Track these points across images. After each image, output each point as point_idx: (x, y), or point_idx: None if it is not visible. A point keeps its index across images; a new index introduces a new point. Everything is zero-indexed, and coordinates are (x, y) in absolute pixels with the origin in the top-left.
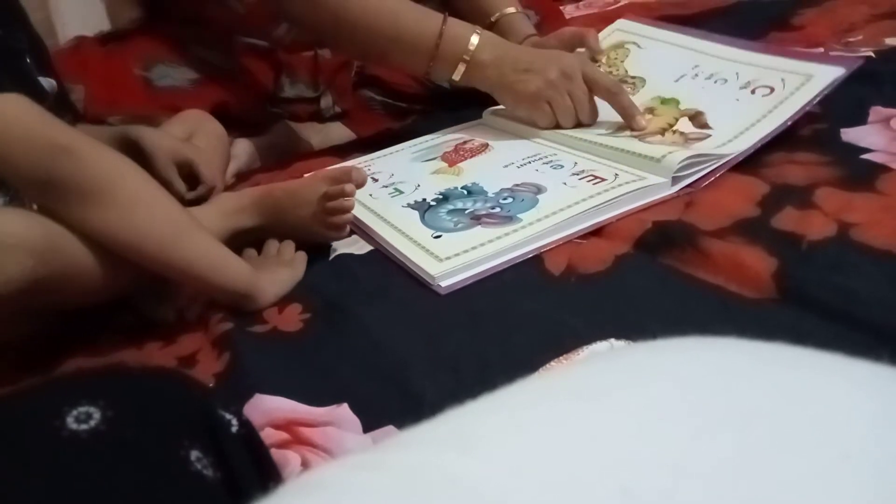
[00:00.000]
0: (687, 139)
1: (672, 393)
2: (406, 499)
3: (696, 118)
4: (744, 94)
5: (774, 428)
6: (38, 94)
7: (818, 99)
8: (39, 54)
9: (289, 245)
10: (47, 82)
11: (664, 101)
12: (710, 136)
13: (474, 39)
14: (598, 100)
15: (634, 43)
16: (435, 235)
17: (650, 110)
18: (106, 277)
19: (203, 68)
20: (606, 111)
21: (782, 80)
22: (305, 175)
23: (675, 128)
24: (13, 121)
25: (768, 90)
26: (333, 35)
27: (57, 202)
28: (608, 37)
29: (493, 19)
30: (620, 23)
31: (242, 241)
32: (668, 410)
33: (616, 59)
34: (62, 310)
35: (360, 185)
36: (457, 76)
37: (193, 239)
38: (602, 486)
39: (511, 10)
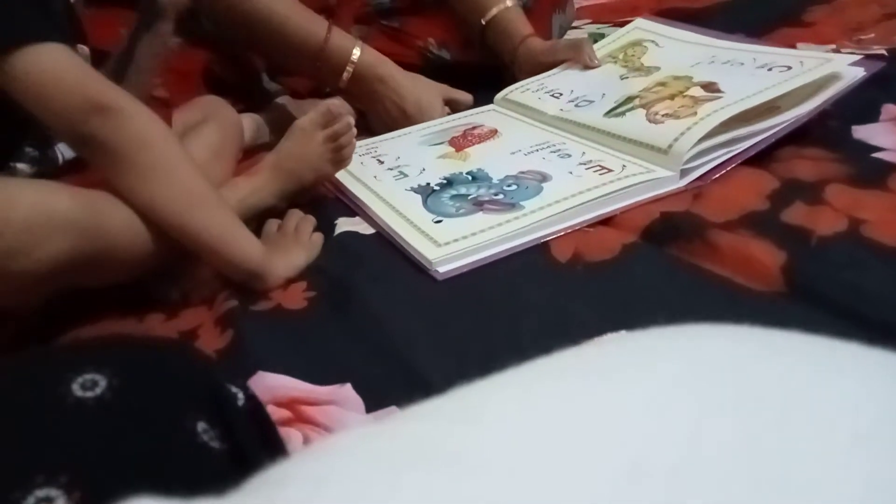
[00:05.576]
0: (697, 101)
1: (682, 372)
2: (414, 465)
3: (708, 86)
4: (760, 72)
5: (784, 409)
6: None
7: (834, 99)
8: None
9: (308, 222)
10: (81, 50)
11: (677, 78)
12: (720, 97)
13: (356, 51)
14: (602, 74)
15: (653, 41)
16: (436, 220)
17: (662, 84)
18: (140, 258)
19: (191, 35)
20: (610, 86)
21: (801, 61)
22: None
23: (685, 94)
24: (52, 73)
25: (786, 68)
26: (246, 38)
27: (89, 156)
28: (627, 34)
29: (484, 21)
30: (639, 21)
31: (266, 217)
32: (677, 389)
33: (633, 55)
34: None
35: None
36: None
37: (209, 211)
38: (611, 461)
39: (509, 2)
